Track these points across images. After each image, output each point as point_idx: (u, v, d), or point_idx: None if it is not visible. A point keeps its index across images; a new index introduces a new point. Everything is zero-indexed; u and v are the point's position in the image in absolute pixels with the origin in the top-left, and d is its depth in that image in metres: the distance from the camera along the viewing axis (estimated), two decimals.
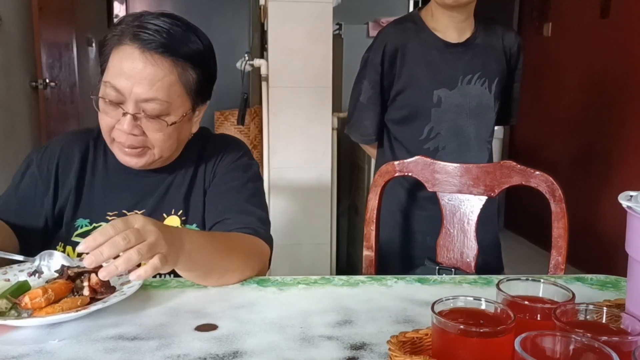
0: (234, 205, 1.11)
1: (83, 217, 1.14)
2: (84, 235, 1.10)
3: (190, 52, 1.05)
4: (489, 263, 1.43)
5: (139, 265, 0.81)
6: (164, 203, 1.15)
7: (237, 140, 1.26)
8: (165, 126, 1.05)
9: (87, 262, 0.77)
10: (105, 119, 1.06)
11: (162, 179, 1.17)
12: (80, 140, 1.19)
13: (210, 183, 1.17)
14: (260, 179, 1.22)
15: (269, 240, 1.09)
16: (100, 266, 0.79)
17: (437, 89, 1.62)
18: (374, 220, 1.39)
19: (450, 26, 1.64)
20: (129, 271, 0.80)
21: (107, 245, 0.77)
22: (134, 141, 1.05)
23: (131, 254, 0.78)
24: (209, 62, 1.11)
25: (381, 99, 1.70)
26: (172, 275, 1.04)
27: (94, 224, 1.13)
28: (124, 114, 1.02)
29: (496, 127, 3.70)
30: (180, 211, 1.14)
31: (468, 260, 1.35)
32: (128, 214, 1.13)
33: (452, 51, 1.64)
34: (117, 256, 0.78)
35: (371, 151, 1.87)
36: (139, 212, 1.13)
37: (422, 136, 1.65)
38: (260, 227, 1.09)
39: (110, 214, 1.13)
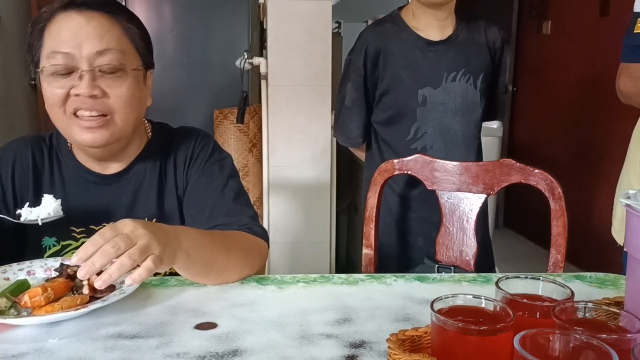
0: (221, 209, 1.07)
1: (48, 235, 1.06)
2: (55, 256, 1.06)
3: (126, 10, 1.05)
4: (480, 260, 1.43)
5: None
6: (134, 212, 1.08)
7: (199, 132, 1.18)
8: (126, 75, 1.00)
9: (81, 275, 0.78)
10: (56, 92, 0.98)
11: (125, 185, 1.09)
12: (32, 149, 1.10)
13: (184, 188, 1.12)
14: (236, 171, 1.17)
15: (264, 237, 1.08)
16: (98, 274, 0.79)
17: (422, 88, 1.62)
18: (374, 219, 1.39)
19: (432, 24, 1.64)
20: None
21: (98, 255, 0.77)
22: (96, 105, 0.98)
23: (123, 260, 0.78)
24: (143, 25, 1.07)
25: (366, 101, 1.70)
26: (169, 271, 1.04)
27: (62, 243, 1.07)
28: (80, 77, 0.96)
29: (495, 125, 3.71)
30: (155, 219, 1.09)
31: (467, 258, 1.35)
32: (96, 228, 1.03)
33: (434, 49, 1.63)
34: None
35: (360, 154, 1.87)
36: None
37: (408, 136, 1.65)
38: (255, 225, 1.07)
39: (77, 230, 1.07)
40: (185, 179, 1.12)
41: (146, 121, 1.16)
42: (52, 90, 0.98)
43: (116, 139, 1.03)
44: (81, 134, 1.00)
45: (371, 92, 1.68)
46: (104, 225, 1.03)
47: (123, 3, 3.33)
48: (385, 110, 1.67)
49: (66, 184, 1.09)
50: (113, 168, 1.10)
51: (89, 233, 1.05)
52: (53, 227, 1.05)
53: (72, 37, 0.96)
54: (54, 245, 1.07)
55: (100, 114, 0.99)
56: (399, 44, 1.64)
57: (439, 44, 1.63)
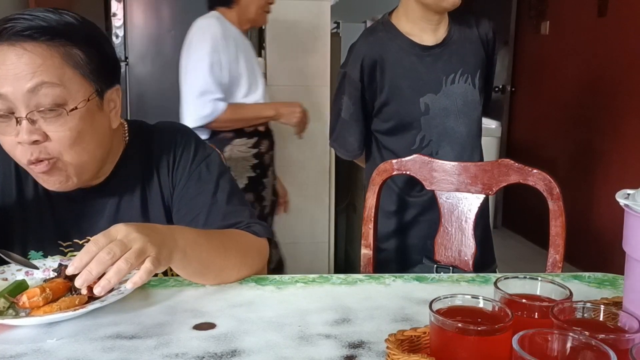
0: (216, 215, 1.04)
1: (35, 249, 1.04)
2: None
3: (65, 29, 0.90)
4: (481, 256, 1.43)
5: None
6: (118, 222, 0.99)
7: (179, 129, 1.12)
8: (66, 115, 0.89)
9: (79, 283, 0.78)
10: (6, 140, 0.91)
11: (108, 195, 1.04)
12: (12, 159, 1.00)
13: (171, 194, 1.06)
14: (225, 168, 1.11)
15: (265, 233, 1.05)
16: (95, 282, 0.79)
17: (422, 96, 1.59)
18: (372, 219, 1.39)
19: (427, 28, 1.61)
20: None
21: (94, 263, 0.77)
22: (39, 152, 0.89)
23: (120, 265, 0.78)
24: (94, 38, 0.95)
25: (364, 113, 1.67)
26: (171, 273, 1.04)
27: (50, 257, 1.03)
28: (18, 123, 0.87)
29: (493, 125, 3.70)
30: None
31: (466, 258, 1.35)
32: (81, 242, 1.04)
33: (430, 53, 1.61)
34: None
35: (360, 162, 1.85)
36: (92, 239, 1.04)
37: (414, 145, 1.62)
38: (253, 223, 1.05)
39: (64, 244, 1.04)
40: (171, 184, 1.07)
41: (125, 122, 1.09)
42: (1, 136, 0.91)
43: (79, 178, 0.96)
44: (42, 180, 0.95)
45: (369, 103, 1.65)
46: (87, 239, 1.02)
47: (121, 4, 3.32)
48: (387, 121, 1.65)
49: (50, 196, 1.03)
50: (94, 181, 1.05)
51: (75, 247, 1.05)
52: (40, 241, 1.04)
53: (5, 75, 0.86)
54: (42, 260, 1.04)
55: (46, 158, 0.91)
56: (394, 53, 1.61)
57: (435, 48, 1.62)
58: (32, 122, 0.88)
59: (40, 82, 0.87)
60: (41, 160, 0.90)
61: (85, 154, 0.94)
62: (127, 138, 1.08)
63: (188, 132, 1.12)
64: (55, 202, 1.04)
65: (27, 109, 0.87)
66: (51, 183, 0.94)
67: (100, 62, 0.94)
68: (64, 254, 1.05)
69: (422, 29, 1.62)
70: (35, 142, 0.89)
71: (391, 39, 1.62)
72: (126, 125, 1.09)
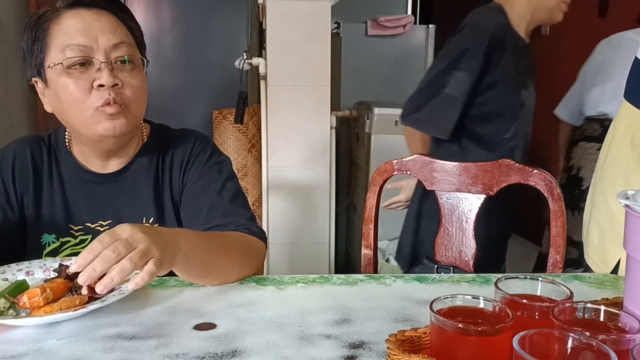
0: (218, 209, 1.08)
1: (48, 232, 1.09)
2: (54, 253, 1.08)
3: (127, 8, 1.08)
4: (489, 258, 1.42)
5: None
6: (132, 211, 1.10)
7: (198, 135, 1.18)
8: (136, 69, 1.03)
9: (82, 280, 0.78)
10: (79, 85, 0.99)
11: (122, 184, 1.11)
12: (32, 149, 1.11)
13: (180, 192, 1.12)
14: (235, 175, 1.17)
15: (262, 237, 1.08)
16: (97, 281, 0.79)
17: (524, 88, 1.61)
18: (373, 219, 1.39)
19: (525, 28, 1.65)
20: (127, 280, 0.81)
21: (98, 260, 0.77)
22: (116, 94, 1.00)
23: (124, 263, 0.78)
24: (134, 17, 1.10)
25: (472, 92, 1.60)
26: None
27: (61, 239, 1.09)
28: (99, 69, 0.99)
29: None
30: (152, 218, 1.11)
31: (466, 259, 1.35)
32: (92, 226, 1.09)
33: (523, 47, 1.65)
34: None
35: (420, 147, 1.71)
36: (104, 223, 1.09)
37: (508, 134, 1.61)
38: (252, 225, 1.07)
39: (75, 227, 1.09)
40: (182, 183, 1.12)
41: (142, 122, 1.16)
42: (75, 83, 0.99)
43: (130, 129, 1.05)
44: (105, 123, 1.01)
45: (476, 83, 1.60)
46: (100, 224, 1.08)
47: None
48: (484, 105, 1.61)
49: (64, 182, 1.10)
50: (111, 167, 1.11)
51: (86, 231, 1.09)
52: (53, 225, 1.08)
53: (86, 31, 0.99)
54: (53, 242, 1.09)
55: (120, 102, 1.01)
56: (511, 40, 1.60)
57: (527, 47, 1.66)
58: (112, 69, 1.00)
59: (121, 40, 1.02)
60: (116, 103, 1.00)
61: (142, 110, 1.07)
62: (146, 135, 1.15)
63: (206, 139, 1.18)
64: (68, 187, 1.10)
65: (107, 59, 1.00)
66: (113, 126, 1.01)
67: (142, 40, 1.09)
68: (75, 237, 1.09)
69: (520, 26, 1.64)
70: (114, 86, 0.99)
71: (506, 25, 1.63)
72: (144, 123, 1.16)
